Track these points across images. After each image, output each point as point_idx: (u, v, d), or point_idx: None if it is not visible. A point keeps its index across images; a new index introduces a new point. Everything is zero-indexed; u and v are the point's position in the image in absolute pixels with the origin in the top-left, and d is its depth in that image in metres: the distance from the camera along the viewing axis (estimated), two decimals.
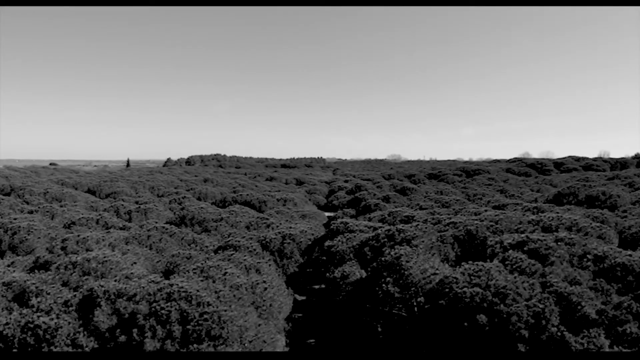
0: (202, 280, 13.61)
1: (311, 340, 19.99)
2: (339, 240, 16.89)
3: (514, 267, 12.92)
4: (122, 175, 69.33)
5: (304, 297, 29.97)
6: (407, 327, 14.24)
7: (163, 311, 12.27)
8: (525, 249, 14.21)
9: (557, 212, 17.54)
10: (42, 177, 64.76)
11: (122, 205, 26.61)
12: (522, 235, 14.94)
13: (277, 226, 21.17)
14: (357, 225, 18.63)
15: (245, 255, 16.19)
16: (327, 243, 17.24)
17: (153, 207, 25.97)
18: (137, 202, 30.37)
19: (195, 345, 11.54)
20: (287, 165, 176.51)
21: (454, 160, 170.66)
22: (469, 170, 75.60)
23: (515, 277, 12.15)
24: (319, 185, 59.59)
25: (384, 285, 13.61)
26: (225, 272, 14.05)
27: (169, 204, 31.30)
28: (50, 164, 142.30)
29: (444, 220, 17.11)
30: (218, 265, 14.51)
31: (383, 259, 14.12)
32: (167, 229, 19.01)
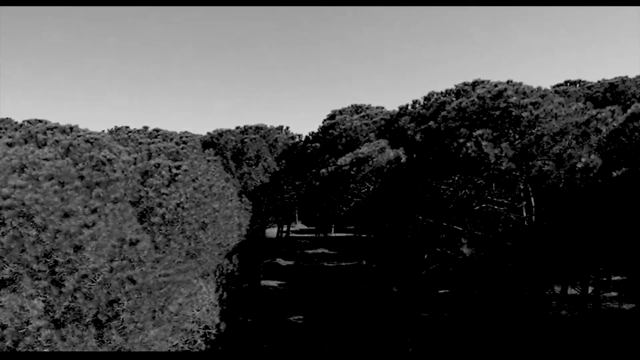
0: None
1: (297, 317, 12.29)
2: (344, 118, 9.02)
3: None
4: None
5: (290, 262, 22.05)
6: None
7: None
8: None
9: None
10: None
11: None
12: None
13: None
14: (375, 109, 10.77)
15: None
16: (325, 123, 9.35)
17: None
18: None
19: None
20: None
21: None
22: None
23: None
24: None
25: (469, 145, 5.48)
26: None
27: None
28: None
29: None
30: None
31: (456, 105, 5.94)
32: None
